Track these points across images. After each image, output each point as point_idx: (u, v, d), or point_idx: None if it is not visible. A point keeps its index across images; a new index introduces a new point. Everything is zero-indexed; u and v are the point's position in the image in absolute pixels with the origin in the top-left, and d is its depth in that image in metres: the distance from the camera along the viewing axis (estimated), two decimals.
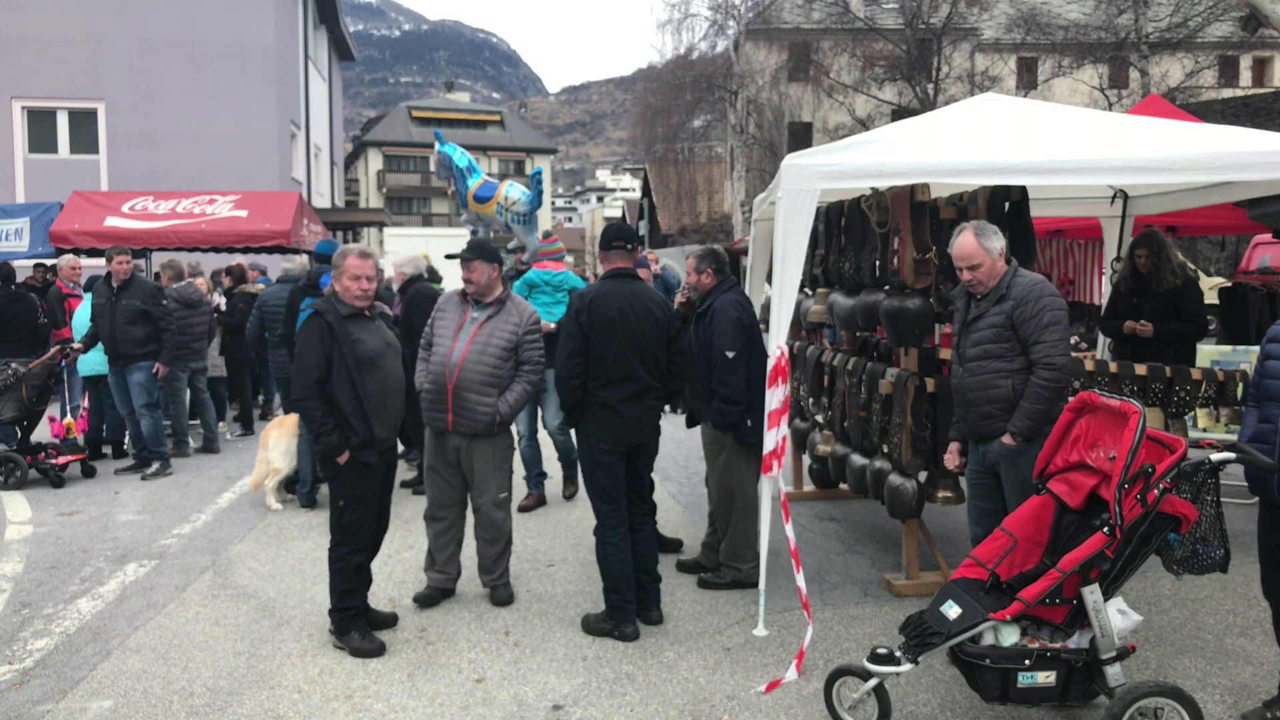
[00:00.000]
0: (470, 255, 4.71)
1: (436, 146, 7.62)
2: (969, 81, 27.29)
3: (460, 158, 7.58)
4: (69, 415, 8.78)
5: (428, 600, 4.88)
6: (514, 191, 7.38)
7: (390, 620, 4.56)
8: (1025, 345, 3.83)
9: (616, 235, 4.61)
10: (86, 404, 8.84)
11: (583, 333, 4.31)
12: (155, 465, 7.97)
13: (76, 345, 8.11)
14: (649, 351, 4.40)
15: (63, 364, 8.19)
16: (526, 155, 63.81)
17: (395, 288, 7.41)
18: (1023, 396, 3.82)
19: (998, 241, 3.92)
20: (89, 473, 7.92)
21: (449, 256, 5.53)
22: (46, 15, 19.11)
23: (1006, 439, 3.86)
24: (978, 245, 3.90)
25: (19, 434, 7.81)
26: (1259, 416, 3.50)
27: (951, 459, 4.27)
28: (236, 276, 10.45)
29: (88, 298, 8.49)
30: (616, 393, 4.33)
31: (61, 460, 7.66)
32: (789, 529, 4.03)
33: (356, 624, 4.30)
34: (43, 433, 8.83)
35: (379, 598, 4.78)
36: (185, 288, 8.92)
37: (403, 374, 4.42)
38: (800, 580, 4.12)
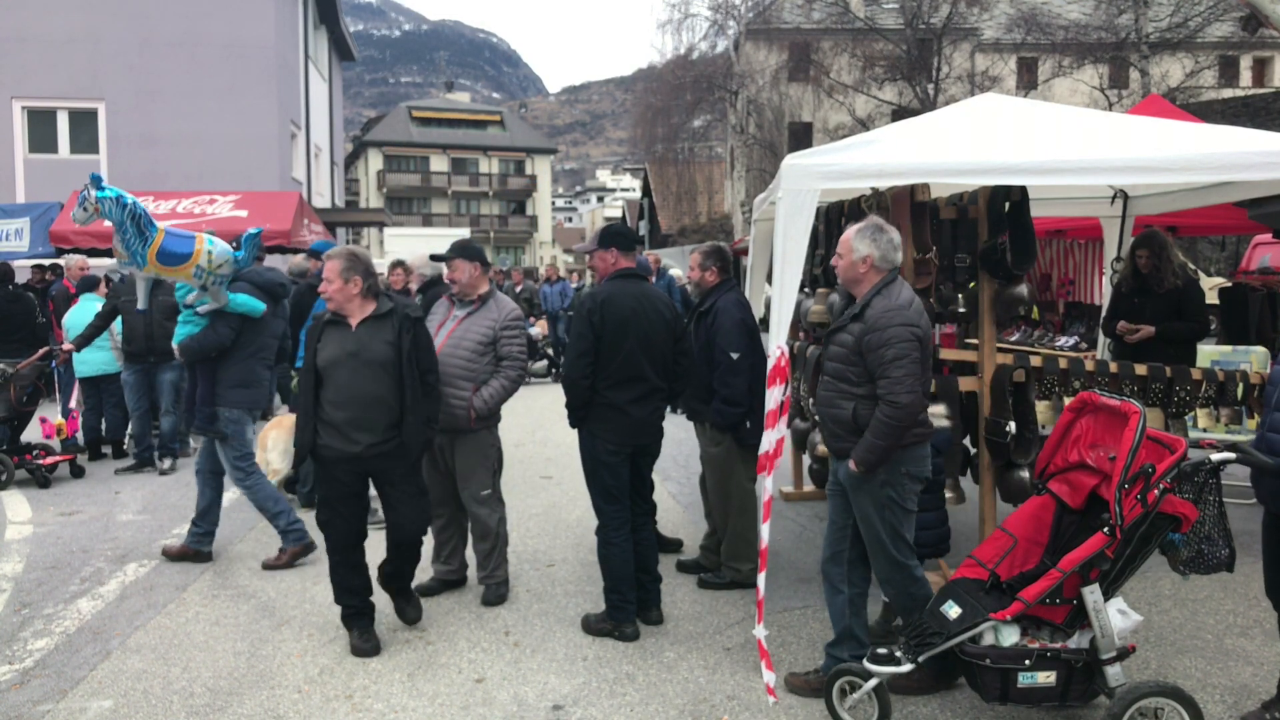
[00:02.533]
0: (452, 255, 4.81)
1: (91, 192, 4.95)
2: (969, 81, 27.32)
3: (133, 203, 5.09)
4: (60, 416, 8.77)
5: (429, 590, 4.96)
6: (218, 249, 5.28)
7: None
8: (871, 374, 3.55)
9: (627, 236, 4.61)
10: (74, 404, 8.83)
11: (594, 333, 4.28)
12: (170, 461, 8.10)
13: (67, 346, 8.10)
14: (658, 352, 4.40)
15: (53, 365, 8.16)
16: (526, 155, 63.85)
17: (413, 289, 7.26)
18: (864, 434, 3.54)
19: (868, 248, 3.64)
20: (78, 473, 7.92)
21: (434, 257, 5.35)
22: (46, 15, 19.10)
23: (852, 464, 3.60)
24: (850, 236, 3.70)
25: (9, 434, 7.81)
26: (1268, 425, 3.43)
27: None
28: None
29: (85, 298, 8.48)
30: (625, 393, 4.32)
31: (49, 461, 7.66)
32: (764, 529, 4.03)
33: (356, 623, 4.31)
34: (34, 434, 8.83)
35: (379, 597, 4.77)
36: None
37: (369, 386, 4.10)
38: (761, 580, 4.05)
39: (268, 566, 5.49)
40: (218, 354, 5.37)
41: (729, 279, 5.12)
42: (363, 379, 4.11)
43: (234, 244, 5.46)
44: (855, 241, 3.68)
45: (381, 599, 4.82)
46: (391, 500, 4.28)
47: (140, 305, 5.68)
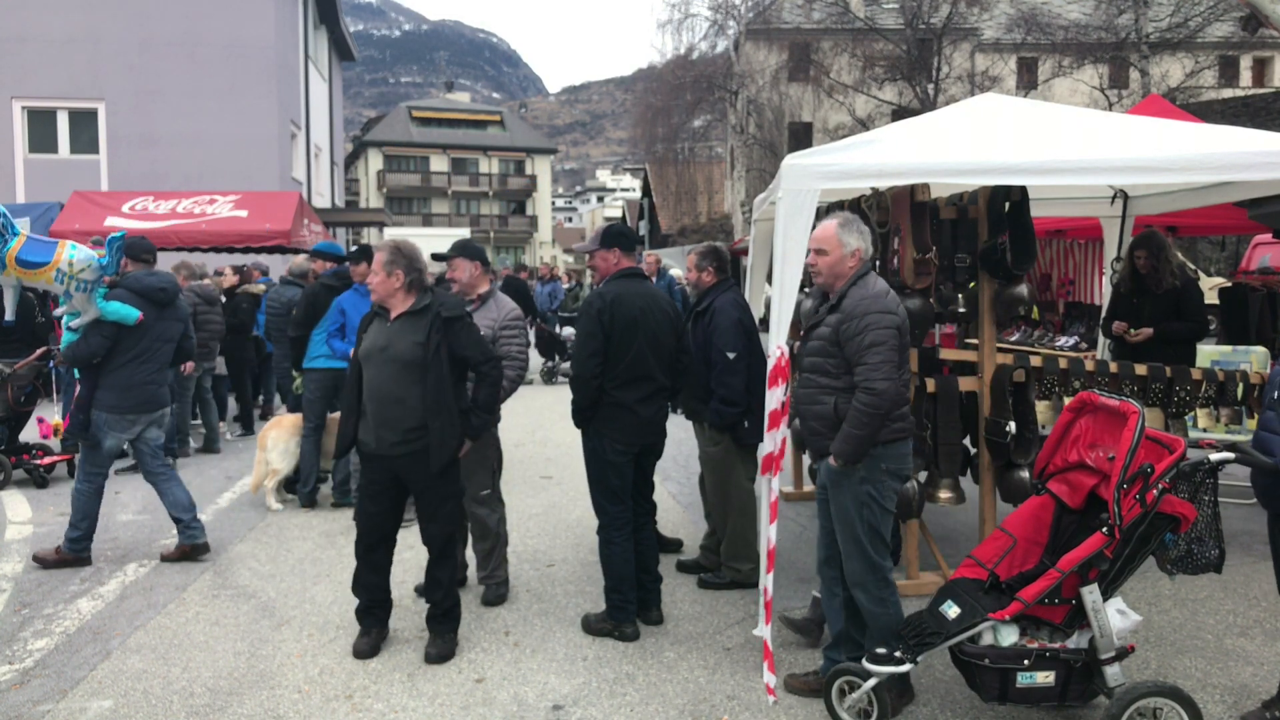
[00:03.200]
0: (453, 254, 4.82)
1: None
2: (969, 81, 27.33)
3: None
4: (57, 416, 8.77)
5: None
6: (80, 254, 5.26)
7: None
8: (849, 364, 3.54)
9: (628, 236, 4.62)
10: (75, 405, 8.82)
11: (604, 332, 4.27)
12: (169, 461, 8.03)
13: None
14: (665, 351, 4.42)
15: (50, 365, 8.16)
16: (526, 155, 63.85)
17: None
18: (843, 425, 3.52)
19: (858, 240, 3.65)
20: (74, 473, 7.90)
21: (435, 256, 5.38)
22: (46, 15, 19.11)
23: (832, 459, 3.58)
24: (835, 232, 3.64)
25: (6, 434, 7.80)
26: (1262, 424, 3.44)
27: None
28: (246, 276, 10.49)
29: None
30: (633, 393, 4.31)
31: (46, 461, 7.66)
32: (771, 530, 4.03)
33: (363, 620, 4.31)
34: (32, 434, 8.84)
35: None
36: (204, 285, 8.95)
37: (389, 384, 4.08)
38: (768, 581, 4.04)
39: (38, 557, 5.57)
40: (100, 360, 5.37)
41: (726, 279, 5.12)
42: (385, 375, 4.08)
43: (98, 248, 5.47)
44: (843, 235, 3.65)
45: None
46: (417, 503, 4.24)
47: (8, 316, 5.67)
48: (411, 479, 4.15)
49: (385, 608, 4.37)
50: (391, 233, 24.82)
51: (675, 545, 5.75)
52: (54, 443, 8.58)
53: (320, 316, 6.83)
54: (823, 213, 5.84)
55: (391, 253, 4.14)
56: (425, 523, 4.23)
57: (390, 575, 4.36)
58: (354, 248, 7.72)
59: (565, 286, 18.46)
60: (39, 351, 7.91)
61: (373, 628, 4.32)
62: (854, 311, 3.52)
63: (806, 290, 6.43)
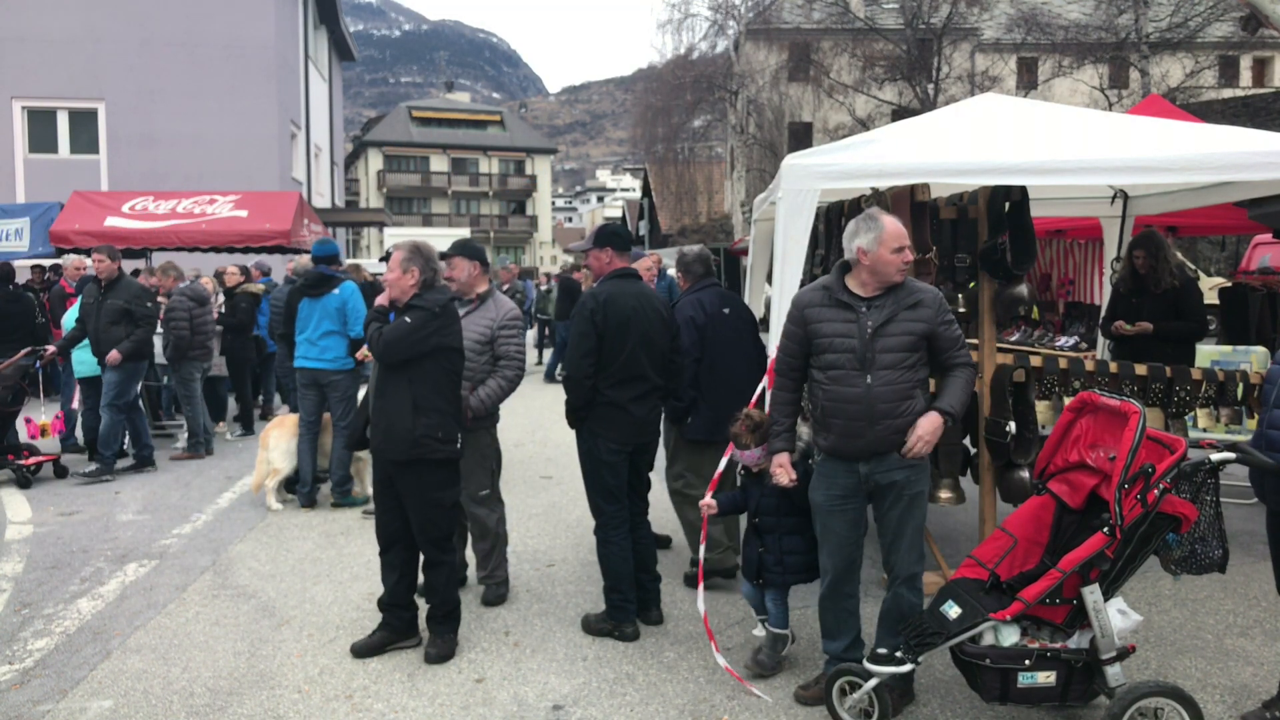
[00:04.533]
0: (452, 253, 4.81)
1: None
2: (969, 81, 27.32)
3: None
4: (44, 416, 8.78)
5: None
6: None
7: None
8: (942, 351, 3.56)
9: (622, 236, 4.63)
10: (75, 405, 8.82)
11: (597, 332, 4.29)
12: (95, 466, 7.80)
13: (50, 349, 8.10)
14: (658, 351, 4.43)
15: (37, 366, 8.17)
16: (526, 155, 63.88)
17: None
18: (950, 389, 3.55)
19: None
20: (61, 473, 7.89)
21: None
22: (46, 15, 19.13)
23: (920, 446, 3.48)
24: (902, 231, 3.60)
25: None
26: (1268, 423, 3.45)
27: (785, 473, 3.77)
28: (249, 276, 10.52)
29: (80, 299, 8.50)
30: (627, 392, 4.33)
31: (31, 461, 7.66)
32: (708, 496, 4.20)
33: (381, 611, 4.32)
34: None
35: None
36: (195, 285, 8.94)
37: (380, 381, 4.14)
38: (702, 551, 4.38)
39: None
40: None
41: (700, 280, 5.13)
42: (381, 371, 4.15)
43: None
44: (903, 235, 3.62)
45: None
46: (405, 506, 4.19)
47: None
48: (397, 480, 4.15)
49: (396, 614, 4.28)
50: (391, 233, 24.83)
51: (664, 542, 5.75)
52: (54, 441, 8.58)
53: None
54: (822, 213, 5.88)
55: (410, 251, 4.18)
56: (413, 526, 4.20)
57: (410, 579, 4.29)
58: (384, 254, 7.83)
59: (544, 289, 18.21)
60: (23, 351, 7.88)
61: (378, 631, 4.30)
62: (941, 303, 3.58)
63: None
